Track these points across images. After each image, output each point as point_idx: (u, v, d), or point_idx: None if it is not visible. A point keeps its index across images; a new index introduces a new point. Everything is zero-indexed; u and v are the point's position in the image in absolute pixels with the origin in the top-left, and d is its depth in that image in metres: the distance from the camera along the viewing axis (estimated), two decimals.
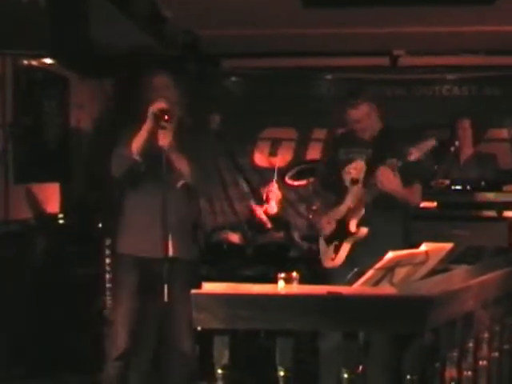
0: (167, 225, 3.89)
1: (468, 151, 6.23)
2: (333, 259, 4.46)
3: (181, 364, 4.19)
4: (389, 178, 4.22)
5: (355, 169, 4.47)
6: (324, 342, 4.41)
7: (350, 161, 4.49)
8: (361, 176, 4.44)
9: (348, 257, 4.41)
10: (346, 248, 4.42)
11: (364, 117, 4.47)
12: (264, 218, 6.56)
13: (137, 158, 4.02)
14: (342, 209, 4.48)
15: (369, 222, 4.37)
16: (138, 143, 4.01)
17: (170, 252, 4.01)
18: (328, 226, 4.53)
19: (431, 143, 4.20)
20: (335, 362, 4.36)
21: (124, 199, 4.27)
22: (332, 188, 4.63)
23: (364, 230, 4.37)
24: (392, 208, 4.38)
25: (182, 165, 4.06)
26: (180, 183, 4.09)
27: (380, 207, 4.35)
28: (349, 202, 4.45)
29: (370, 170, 4.38)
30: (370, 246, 4.30)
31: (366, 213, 4.37)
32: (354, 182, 4.46)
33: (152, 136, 3.99)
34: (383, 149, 4.40)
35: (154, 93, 4.12)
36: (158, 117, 3.94)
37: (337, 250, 4.46)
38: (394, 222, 4.43)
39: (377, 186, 4.25)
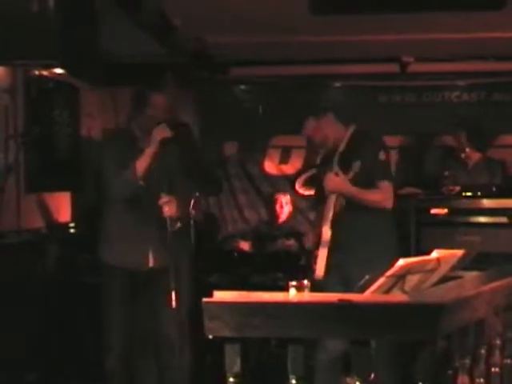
0: (149, 238, 4.27)
1: (474, 157, 6.22)
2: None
3: (172, 356, 4.31)
4: (333, 181, 4.32)
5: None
6: (324, 353, 4.38)
7: (325, 172, 4.51)
8: None
9: (329, 265, 4.38)
10: (323, 256, 4.38)
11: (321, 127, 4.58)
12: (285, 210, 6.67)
13: (142, 183, 4.21)
14: (328, 217, 4.47)
15: (343, 228, 4.37)
16: (142, 168, 4.19)
17: (151, 263, 4.33)
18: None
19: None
20: (332, 374, 4.37)
21: (113, 212, 4.42)
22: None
23: (326, 233, 4.35)
24: (363, 211, 4.38)
25: (170, 210, 4.20)
26: (177, 226, 4.19)
27: (350, 211, 4.37)
28: (335, 208, 4.44)
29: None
30: (348, 251, 4.33)
31: (339, 218, 4.39)
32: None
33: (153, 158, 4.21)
34: (349, 154, 4.47)
35: (152, 110, 4.30)
36: (162, 144, 4.18)
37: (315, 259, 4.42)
38: (367, 225, 4.43)
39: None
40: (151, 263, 4.33)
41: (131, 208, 4.30)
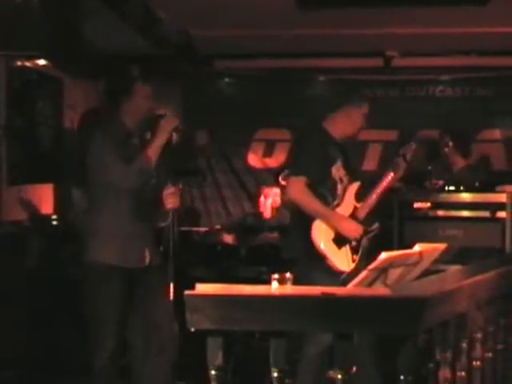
0: (145, 234, 4.21)
1: (459, 164, 6.14)
2: (354, 260, 4.39)
3: (161, 354, 4.24)
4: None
5: (341, 167, 4.50)
6: (313, 346, 4.37)
7: (335, 159, 4.48)
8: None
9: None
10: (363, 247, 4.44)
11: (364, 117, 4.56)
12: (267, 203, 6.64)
13: (154, 173, 4.12)
14: (347, 208, 4.46)
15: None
16: (154, 156, 4.07)
17: (147, 260, 4.23)
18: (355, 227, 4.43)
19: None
20: (318, 367, 4.37)
21: (107, 209, 4.20)
22: (326, 185, 4.50)
23: (376, 225, 4.45)
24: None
25: (174, 202, 4.11)
26: (167, 222, 4.14)
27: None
28: (353, 200, 4.46)
29: (348, 171, 4.49)
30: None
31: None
32: (341, 180, 4.47)
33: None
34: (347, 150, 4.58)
35: (142, 100, 4.21)
36: (172, 133, 4.09)
37: (356, 250, 4.41)
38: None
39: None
40: (147, 260, 4.21)
41: (127, 203, 4.12)
